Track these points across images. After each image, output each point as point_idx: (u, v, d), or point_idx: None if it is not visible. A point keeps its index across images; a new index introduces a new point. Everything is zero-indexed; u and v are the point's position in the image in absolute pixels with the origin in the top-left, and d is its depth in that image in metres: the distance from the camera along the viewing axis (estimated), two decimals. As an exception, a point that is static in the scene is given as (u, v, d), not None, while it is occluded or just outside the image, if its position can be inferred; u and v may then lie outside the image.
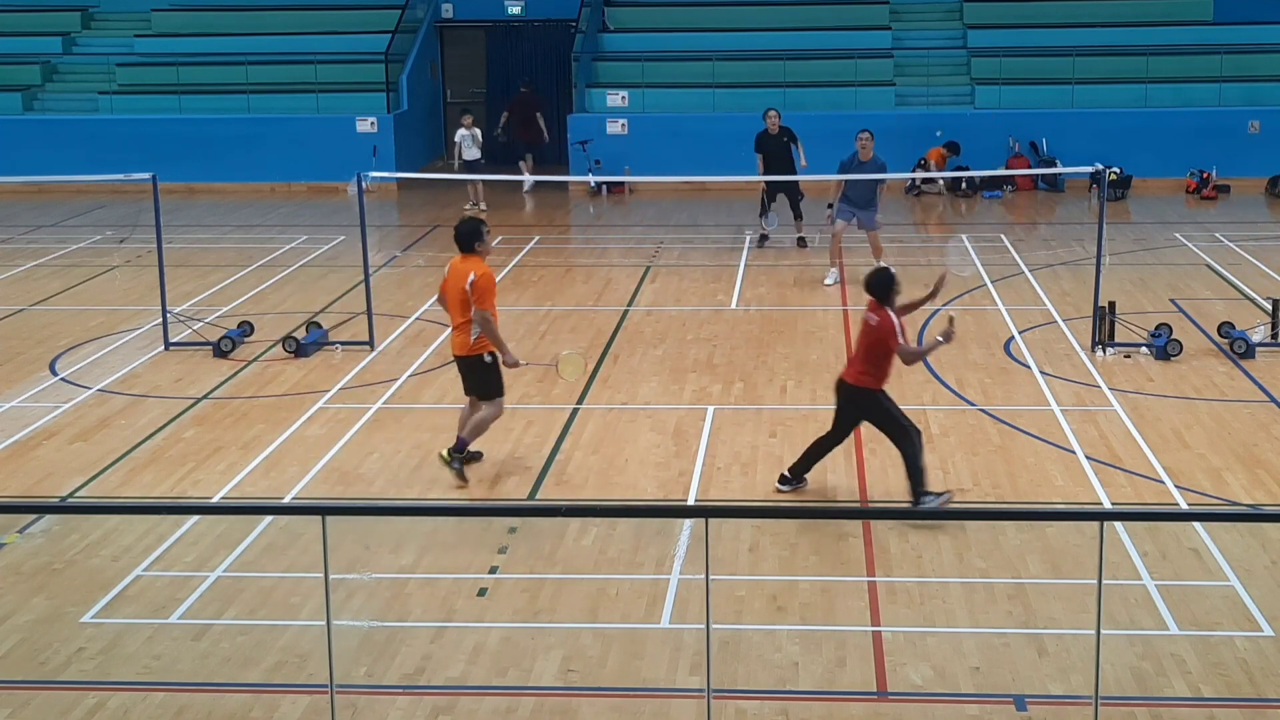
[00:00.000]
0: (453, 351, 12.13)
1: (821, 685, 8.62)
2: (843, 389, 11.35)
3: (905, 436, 11.12)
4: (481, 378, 11.96)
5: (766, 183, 21.45)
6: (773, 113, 21.47)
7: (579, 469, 12.25)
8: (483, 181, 25.62)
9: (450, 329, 12.28)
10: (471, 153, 25.69)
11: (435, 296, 11.85)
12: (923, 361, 13.65)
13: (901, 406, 13.60)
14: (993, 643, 9.05)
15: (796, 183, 21.35)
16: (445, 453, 12.03)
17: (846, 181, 18.71)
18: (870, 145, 18.67)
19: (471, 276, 11.62)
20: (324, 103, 28.68)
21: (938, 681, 8.62)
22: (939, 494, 11.14)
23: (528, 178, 26.51)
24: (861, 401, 11.24)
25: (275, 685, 8.70)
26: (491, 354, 11.87)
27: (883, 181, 18.98)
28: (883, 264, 11.77)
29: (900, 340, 10.93)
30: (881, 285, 11.11)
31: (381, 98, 28.57)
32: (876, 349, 11.07)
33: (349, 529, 10.67)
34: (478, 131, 25.88)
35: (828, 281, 19.00)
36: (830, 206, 19.05)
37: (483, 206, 25.55)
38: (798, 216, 21.40)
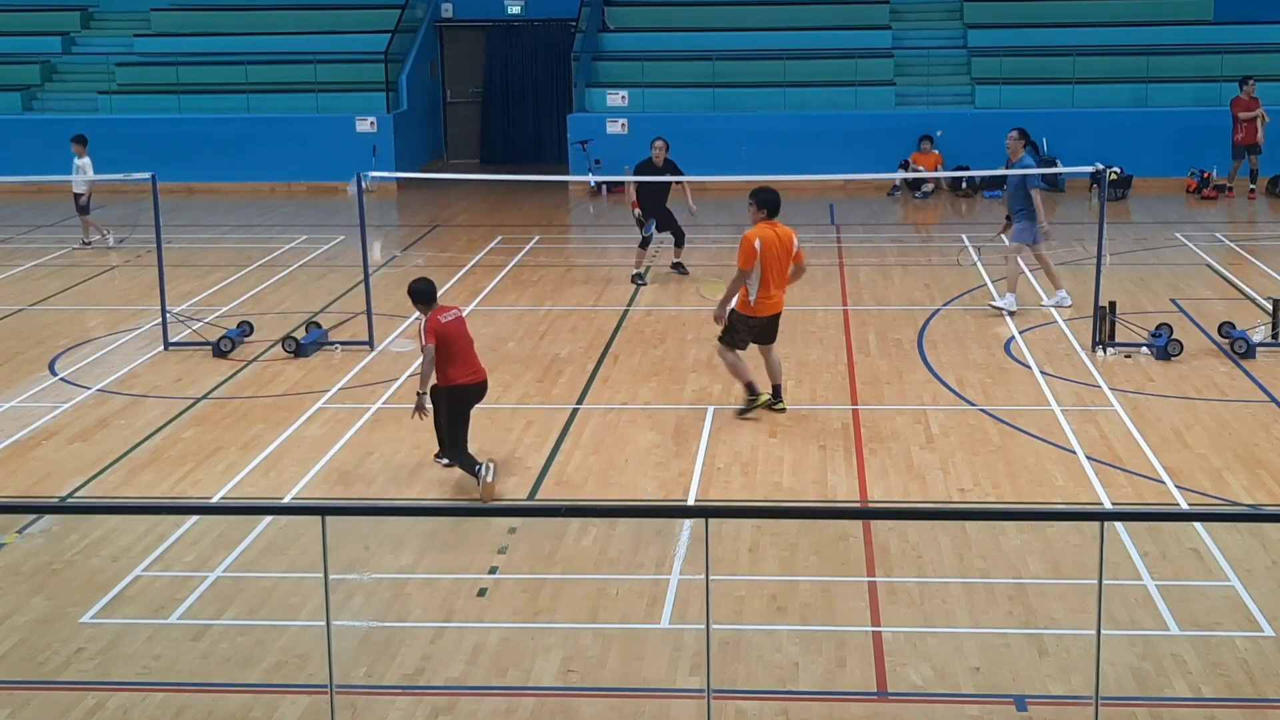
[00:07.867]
0: (778, 309, 13.39)
1: (821, 685, 8.61)
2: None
3: (445, 441, 11.91)
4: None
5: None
6: (659, 143, 19.22)
7: (579, 469, 12.25)
8: (90, 217, 22.32)
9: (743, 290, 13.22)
10: (79, 186, 22.01)
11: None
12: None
13: (903, 407, 13.73)
14: (993, 643, 9.05)
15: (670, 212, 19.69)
16: (773, 404, 13.48)
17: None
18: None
19: (796, 243, 13.17)
20: (324, 103, 28.66)
21: (938, 682, 8.61)
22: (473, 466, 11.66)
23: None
24: (437, 402, 11.88)
25: (275, 685, 8.70)
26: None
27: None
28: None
29: (424, 341, 11.50)
30: (419, 294, 11.79)
31: (381, 97, 28.55)
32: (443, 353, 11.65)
33: (349, 529, 10.66)
34: (88, 161, 22.16)
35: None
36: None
37: (110, 241, 22.17)
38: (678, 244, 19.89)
